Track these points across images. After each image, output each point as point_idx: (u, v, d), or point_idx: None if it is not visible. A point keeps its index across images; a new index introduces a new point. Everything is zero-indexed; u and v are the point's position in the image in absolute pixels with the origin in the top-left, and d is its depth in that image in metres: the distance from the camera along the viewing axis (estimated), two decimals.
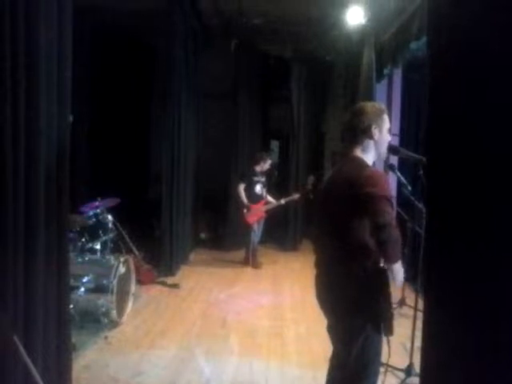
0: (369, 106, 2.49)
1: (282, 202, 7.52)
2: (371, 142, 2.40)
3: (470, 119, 1.33)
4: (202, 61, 7.78)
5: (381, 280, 2.25)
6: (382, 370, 2.52)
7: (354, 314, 2.27)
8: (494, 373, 1.22)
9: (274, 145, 10.30)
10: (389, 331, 2.25)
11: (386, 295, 2.26)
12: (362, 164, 2.35)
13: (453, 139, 1.41)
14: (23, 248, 2.68)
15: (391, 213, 2.14)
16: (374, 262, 2.22)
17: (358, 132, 2.41)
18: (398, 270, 2.25)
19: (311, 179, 9.17)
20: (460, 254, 1.37)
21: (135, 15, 6.13)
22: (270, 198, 7.49)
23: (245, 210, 7.18)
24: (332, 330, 2.49)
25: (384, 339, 2.32)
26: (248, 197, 7.16)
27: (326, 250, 2.46)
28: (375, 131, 2.38)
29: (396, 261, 2.20)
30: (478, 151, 1.28)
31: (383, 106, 2.53)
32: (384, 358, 2.39)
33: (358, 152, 2.41)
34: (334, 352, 2.53)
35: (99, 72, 6.83)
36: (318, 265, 2.50)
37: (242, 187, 7.19)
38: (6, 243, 2.53)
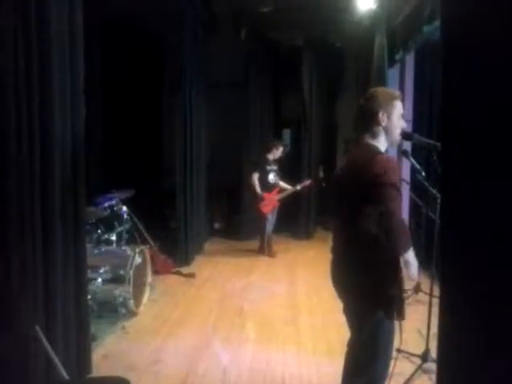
0: (379, 91, 2.45)
1: (298, 187, 7.42)
2: (380, 128, 2.36)
3: (485, 104, 1.31)
4: (213, 50, 7.75)
5: (392, 266, 2.21)
6: (395, 355, 2.53)
7: (365, 299, 2.28)
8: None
9: (286, 133, 10.24)
10: (400, 316, 2.23)
11: (398, 282, 2.23)
12: (373, 150, 2.33)
13: (467, 124, 1.40)
14: (41, 241, 2.73)
15: (397, 201, 2.10)
16: (384, 248, 2.17)
17: (367, 118, 2.38)
18: (411, 262, 2.18)
19: (321, 168, 9.16)
20: (475, 239, 1.37)
21: (144, 4, 6.10)
22: (284, 185, 7.41)
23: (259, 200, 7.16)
24: (346, 312, 2.51)
25: (397, 324, 2.31)
26: (262, 186, 7.11)
27: (340, 236, 2.48)
28: (383, 117, 2.34)
29: (404, 250, 2.14)
30: (493, 137, 1.26)
31: (397, 92, 2.46)
32: (397, 344, 2.39)
33: (369, 138, 2.38)
34: (350, 335, 2.55)
35: (109, 64, 6.84)
36: (334, 250, 2.51)
37: (255, 177, 7.11)
38: (24, 237, 2.58)
